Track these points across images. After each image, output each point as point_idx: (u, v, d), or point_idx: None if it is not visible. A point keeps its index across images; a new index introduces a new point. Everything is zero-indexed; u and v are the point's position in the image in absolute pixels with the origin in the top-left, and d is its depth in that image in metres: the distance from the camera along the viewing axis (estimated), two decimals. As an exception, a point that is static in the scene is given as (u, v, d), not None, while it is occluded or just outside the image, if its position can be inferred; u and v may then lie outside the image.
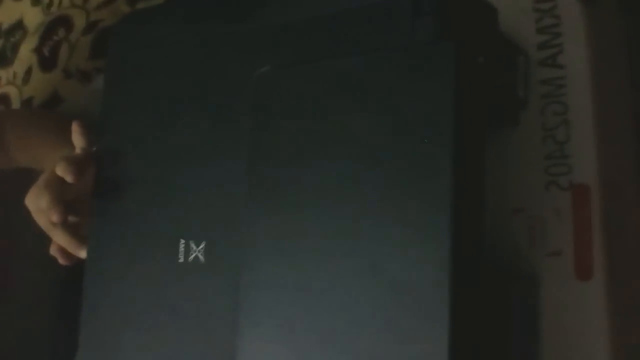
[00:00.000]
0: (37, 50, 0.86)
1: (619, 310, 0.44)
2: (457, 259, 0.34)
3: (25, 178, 0.57)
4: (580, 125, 0.47)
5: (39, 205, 0.50)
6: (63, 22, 0.84)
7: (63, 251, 0.52)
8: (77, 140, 0.53)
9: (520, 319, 0.45)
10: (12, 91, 0.88)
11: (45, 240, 0.54)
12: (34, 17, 0.88)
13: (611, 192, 0.46)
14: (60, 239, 0.52)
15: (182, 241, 0.44)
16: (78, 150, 0.53)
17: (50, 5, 0.86)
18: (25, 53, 0.87)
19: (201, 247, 0.44)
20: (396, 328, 0.35)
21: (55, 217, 0.49)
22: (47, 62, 0.84)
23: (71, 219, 0.52)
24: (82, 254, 0.51)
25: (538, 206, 0.47)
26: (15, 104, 0.86)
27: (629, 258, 0.46)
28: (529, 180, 0.47)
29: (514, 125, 0.48)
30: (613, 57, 0.50)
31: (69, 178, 0.49)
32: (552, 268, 0.46)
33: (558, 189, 0.46)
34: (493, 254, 0.46)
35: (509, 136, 0.48)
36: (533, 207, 0.47)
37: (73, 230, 0.52)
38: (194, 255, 0.44)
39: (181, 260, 0.44)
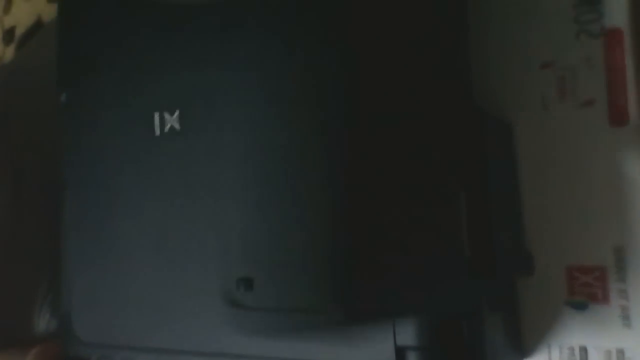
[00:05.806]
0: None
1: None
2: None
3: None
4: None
5: None
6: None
7: None
8: None
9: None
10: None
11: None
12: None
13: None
14: None
15: (156, 113, 0.42)
16: None
17: None
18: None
19: (175, 115, 0.41)
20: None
21: None
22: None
23: None
24: None
25: (568, 57, 0.45)
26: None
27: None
28: (557, 32, 0.46)
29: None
30: None
31: None
32: (585, 118, 0.44)
33: (588, 36, 0.45)
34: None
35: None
36: (562, 58, 0.45)
37: None
38: (169, 125, 0.41)
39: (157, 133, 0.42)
